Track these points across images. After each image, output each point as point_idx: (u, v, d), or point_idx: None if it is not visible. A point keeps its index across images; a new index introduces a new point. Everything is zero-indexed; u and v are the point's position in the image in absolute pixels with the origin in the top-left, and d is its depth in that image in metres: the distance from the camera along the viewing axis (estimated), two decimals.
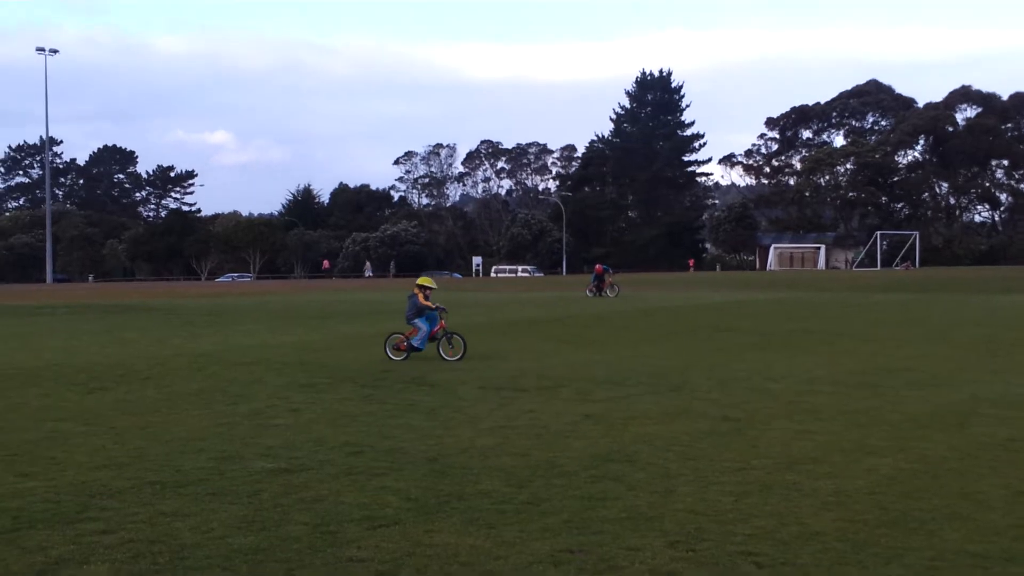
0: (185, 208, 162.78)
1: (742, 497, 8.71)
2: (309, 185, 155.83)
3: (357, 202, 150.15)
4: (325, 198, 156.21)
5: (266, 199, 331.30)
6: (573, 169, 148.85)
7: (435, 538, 7.56)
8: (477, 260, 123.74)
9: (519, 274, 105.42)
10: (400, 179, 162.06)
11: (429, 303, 20.74)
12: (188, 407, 14.08)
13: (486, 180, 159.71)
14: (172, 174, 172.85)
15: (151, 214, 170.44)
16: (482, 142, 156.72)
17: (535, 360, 19.95)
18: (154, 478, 9.54)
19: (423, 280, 21.49)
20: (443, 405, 14.08)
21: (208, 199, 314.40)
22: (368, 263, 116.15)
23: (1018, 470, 9.68)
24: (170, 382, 16.95)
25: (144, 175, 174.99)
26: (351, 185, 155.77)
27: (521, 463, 10.18)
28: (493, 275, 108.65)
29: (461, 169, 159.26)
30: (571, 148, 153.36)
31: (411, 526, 7.87)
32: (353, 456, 10.54)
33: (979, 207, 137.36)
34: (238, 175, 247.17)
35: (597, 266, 54.24)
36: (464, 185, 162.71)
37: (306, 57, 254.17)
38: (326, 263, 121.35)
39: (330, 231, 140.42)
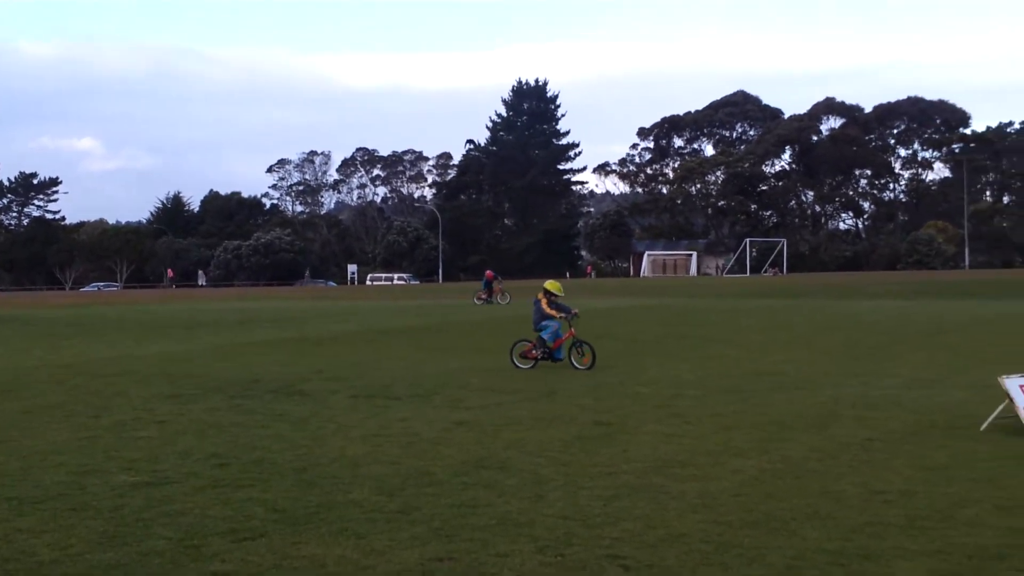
0: (49, 216, 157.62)
1: (611, 501, 8.79)
2: (179, 192, 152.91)
3: (228, 209, 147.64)
4: (196, 206, 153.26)
5: (135, 207, 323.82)
6: (449, 177, 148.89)
7: (302, 549, 7.45)
8: (352, 268, 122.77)
9: (395, 282, 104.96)
10: (274, 186, 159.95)
11: (553, 312, 19.69)
12: (49, 420, 13.62)
13: (361, 188, 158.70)
14: (35, 181, 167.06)
15: (12, 222, 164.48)
16: (357, 149, 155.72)
17: (409, 368, 19.87)
18: (11, 494, 9.19)
19: (550, 285, 20.23)
20: (313, 415, 13.90)
21: (75, 207, 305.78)
22: (202, 272, 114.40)
23: (875, 469, 9.98)
24: (30, 395, 16.39)
25: (5, 182, 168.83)
26: (223, 192, 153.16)
27: (392, 471, 10.11)
28: (368, 283, 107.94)
29: (336, 177, 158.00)
30: (447, 156, 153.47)
31: (277, 538, 7.73)
32: (219, 468, 10.33)
33: (843, 215, 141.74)
34: (106, 182, 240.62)
35: (488, 272, 53.12)
36: (339, 193, 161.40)
37: (180, 64, 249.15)
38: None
39: (201, 239, 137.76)
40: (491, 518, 8.26)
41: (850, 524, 7.97)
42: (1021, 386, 11.80)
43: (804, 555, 7.19)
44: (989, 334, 27.00)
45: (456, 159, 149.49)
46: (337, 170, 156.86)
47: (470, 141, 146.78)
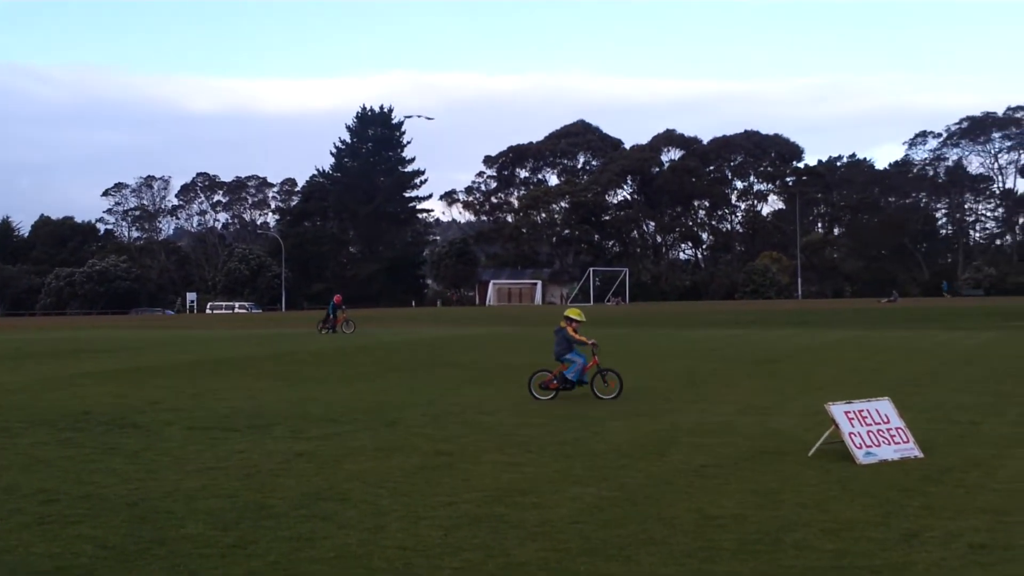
0: None
1: (452, 531, 8.80)
2: (7, 217, 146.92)
3: (60, 235, 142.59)
4: (26, 231, 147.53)
5: None
6: (293, 203, 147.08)
7: None
8: (191, 296, 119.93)
9: (236, 311, 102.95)
10: (109, 211, 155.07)
11: (582, 337, 19.26)
12: None
13: (202, 214, 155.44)
14: None
15: None
16: (198, 174, 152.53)
17: (248, 399, 19.49)
18: None
19: (571, 312, 19.72)
20: (147, 447, 13.50)
21: None
22: None
23: (709, 494, 10.24)
24: None
25: None
26: (54, 217, 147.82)
27: (228, 505, 9.91)
28: (208, 312, 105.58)
29: (175, 202, 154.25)
30: (292, 182, 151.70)
31: (106, 575, 7.48)
32: (46, 504, 9.95)
33: (683, 245, 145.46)
34: None
35: (336, 296, 50.94)
36: (178, 219, 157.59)
37: (10, 81, 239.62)
38: None
39: (31, 266, 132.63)
40: (329, 550, 8.19)
41: (684, 549, 8.15)
42: (846, 412, 12.28)
43: None
44: (819, 362, 28.01)
45: (300, 185, 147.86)
46: (176, 195, 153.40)
47: (315, 168, 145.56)
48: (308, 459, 12.52)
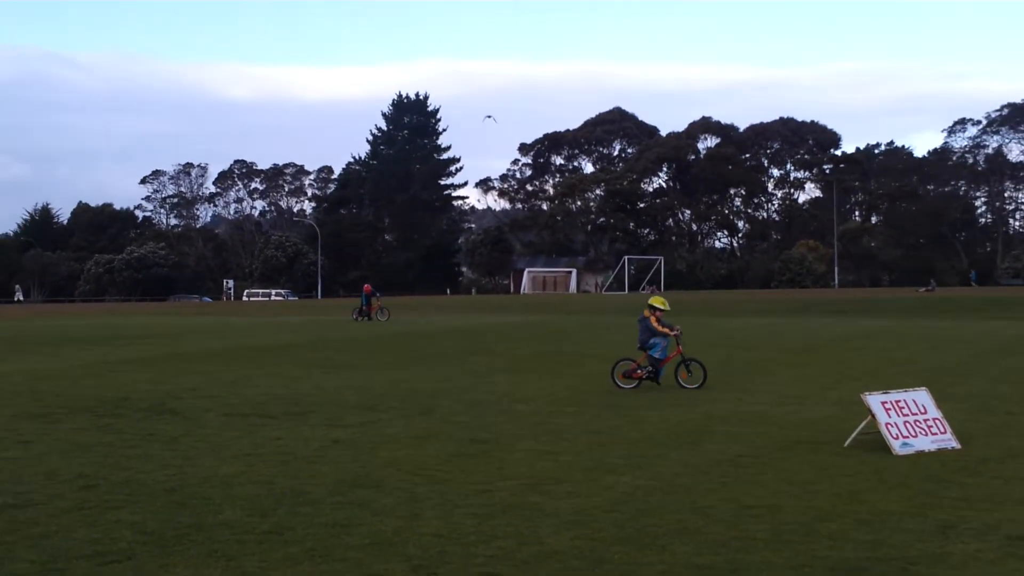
0: None
1: (486, 519, 8.84)
2: (47, 204, 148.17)
3: (100, 222, 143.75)
4: (65, 218, 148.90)
5: (1, 219, 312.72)
6: (330, 191, 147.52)
7: (170, 572, 7.35)
8: (228, 283, 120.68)
9: (272, 298, 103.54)
10: (147, 199, 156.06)
11: (665, 328, 18.80)
12: None
13: (239, 201, 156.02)
14: None
15: None
16: (235, 162, 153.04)
17: (285, 386, 19.62)
18: None
19: (655, 300, 19.30)
20: (185, 434, 13.64)
21: None
22: (18, 287, 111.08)
23: (744, 485, 10.22)
24: None
25: None
26: (92, 204, 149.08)
27: (265, 491, 9.99)
28: (245, 299, 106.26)
29: (213, 189, 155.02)
30: (328, 170, 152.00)
31: (145, 560, 7.59)
32: (86, 489, 10.08)
33: (719, 233, 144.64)
34: None
35: (366, 286, 51.33)
36: (216, 206, 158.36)
37: (50, 70, 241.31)
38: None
39: (71, 252, 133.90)
40: (365, 538, 8.24)
41: (718, 539, 8.15)
42: (883, 403, 12.21)
43: (673, 570, 7.34)
44: (855, 351, 27.85)
45: (336, 173, 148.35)
46: (214, 183, 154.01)
47: (352, 156, 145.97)
48: (344, 446, 12.61)
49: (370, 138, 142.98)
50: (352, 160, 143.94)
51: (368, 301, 49.05)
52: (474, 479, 10.54)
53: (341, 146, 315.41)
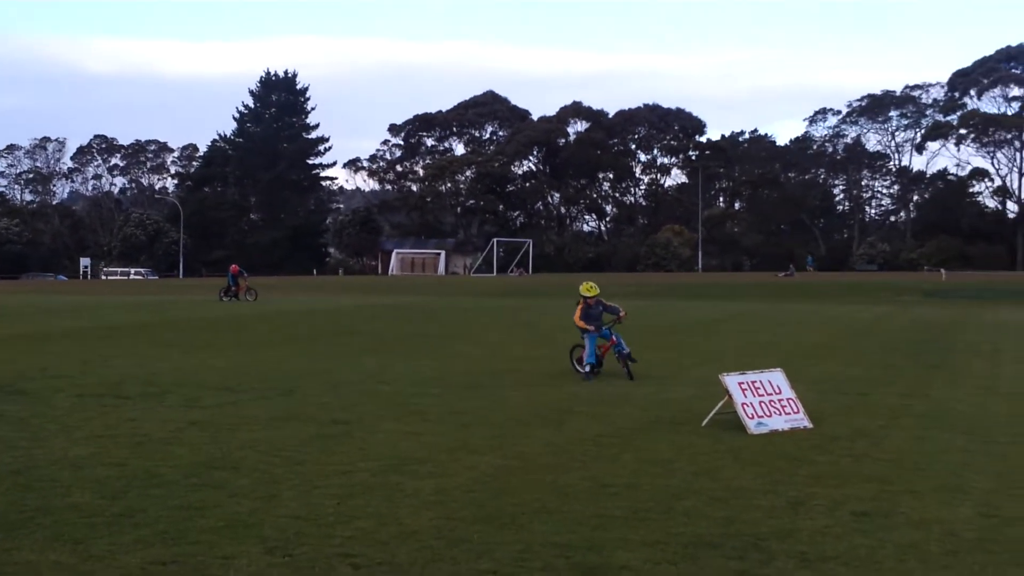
0: None
1: (345, 500, 8.75)
2: None
3: None
4: None
5: None
6: (194, 169, 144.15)
7: (15, 556, 7.13)
8: (85, 261, 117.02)
9: (132, 276, 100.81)
10: (1, 174, 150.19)
11: (589, 326, 17.21)
12: None
13: (98, 178, 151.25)
14: None
15: None
16: (95, 137, 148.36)
17: (141, 366, 19.10)
18: None
19: (582, 287, 17.76)
20: (35, 415, 13.15)
21: None
22: None
23: (604, 464, 10.33)
24: None
25: None
26: None
27: (117, 473, 9.72)
28: (103, 277, 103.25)
29: (71, 165, 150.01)
30: (192, 147, 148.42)
31: None
32: None
33: (587, 217, 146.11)
34: None
35: (233, 266, 50.60)
36: (73, 182, 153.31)
37: None
38: None
39: None
40: (219, 519, 8.09)
41: (577, 517, 8.21)
42: (740, 383, 12.49)
43: (531, 548, 7.37)
44: (716, 334, 28.48)
45: (202, 151, 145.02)
46: (72, 158, 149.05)
47: (217, 133, 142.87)
48: (201, 428, 12.33)
49: (236, 116, 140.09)
50: (217, 138, 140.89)
51: (235, 281, 48.21)
52: (334, 460, 10.42)
53: (207, 124, 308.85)
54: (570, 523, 8.04)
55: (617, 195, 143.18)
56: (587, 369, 17.21)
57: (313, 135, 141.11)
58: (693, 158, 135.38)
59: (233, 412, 13.58)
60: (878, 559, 7.20)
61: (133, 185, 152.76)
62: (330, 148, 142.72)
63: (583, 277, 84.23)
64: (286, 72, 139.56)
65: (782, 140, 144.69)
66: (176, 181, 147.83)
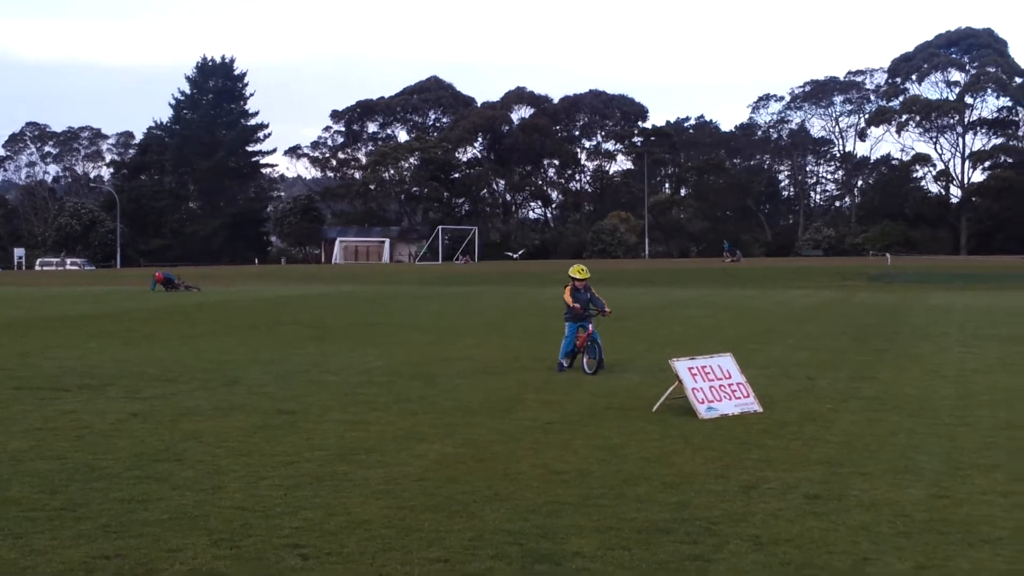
0: None
1: (292, 490, 8.62)
2: None
3: None
4: None
5: None
6: (130, 157, 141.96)
7: None
8: (20, 252, 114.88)
9: (67, 267, 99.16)
10: None
11: (568, 298, 16.42)
12: None
13: (31, 166, 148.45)
14: None
15: None
16: (27, 124, 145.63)
17: (81, 358, 18.73)
18: None
19: (573, 269, 16.86)
20: None
21: None
22: None
23: (555, 450, 10.26)
24: None
25: None
26: None
27: (58, 467, 9.50)
28: (38, 268, 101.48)
29: (2, 153, 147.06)
30: (128, 135, 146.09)
31: None
32: None
33: (533, 204, 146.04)
34: None
35: (157, 274, 49.45)
36: (5, 171, 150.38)
37: None
38: None
39: None
40: (164, 512, 7.94)
41: (528, 504, 8.14)
42: (690, 368, 12.47)
43: (483, 536, 7.29)
44: (665, 320, 28.54)
45: (138, 138, 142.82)
46: (3, 146, 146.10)
47: (153, 120, 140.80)
48: (143, 419, 12.10)
49: (173, 102, 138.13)
50: (154, 125, 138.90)
51: (173, 280, 47.37)
52: (280, 451, 10.26)
53: (142, 111, 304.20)
54: (522, 510, 7.96)
55: (563, 182, 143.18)
56: (562, 361, 16.75)
57: (252, 122, 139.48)
58: (638, 144, 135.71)
59: (176, 403, 13.34)
60: (830, 541, 7.20)
61: (67, 174, 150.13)
62: (270, 135, 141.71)
63: (530, 265, 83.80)
64: (224, 58, 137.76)
65: (727, 126, 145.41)
66: (112, 170, 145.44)
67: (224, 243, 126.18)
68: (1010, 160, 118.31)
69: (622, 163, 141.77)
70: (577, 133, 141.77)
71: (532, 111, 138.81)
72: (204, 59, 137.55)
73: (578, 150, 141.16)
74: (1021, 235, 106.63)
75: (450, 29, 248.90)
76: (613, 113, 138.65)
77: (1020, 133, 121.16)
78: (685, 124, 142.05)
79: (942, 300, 36.17)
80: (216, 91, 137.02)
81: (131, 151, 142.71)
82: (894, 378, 15.58)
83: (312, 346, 21.00)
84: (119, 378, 15.80)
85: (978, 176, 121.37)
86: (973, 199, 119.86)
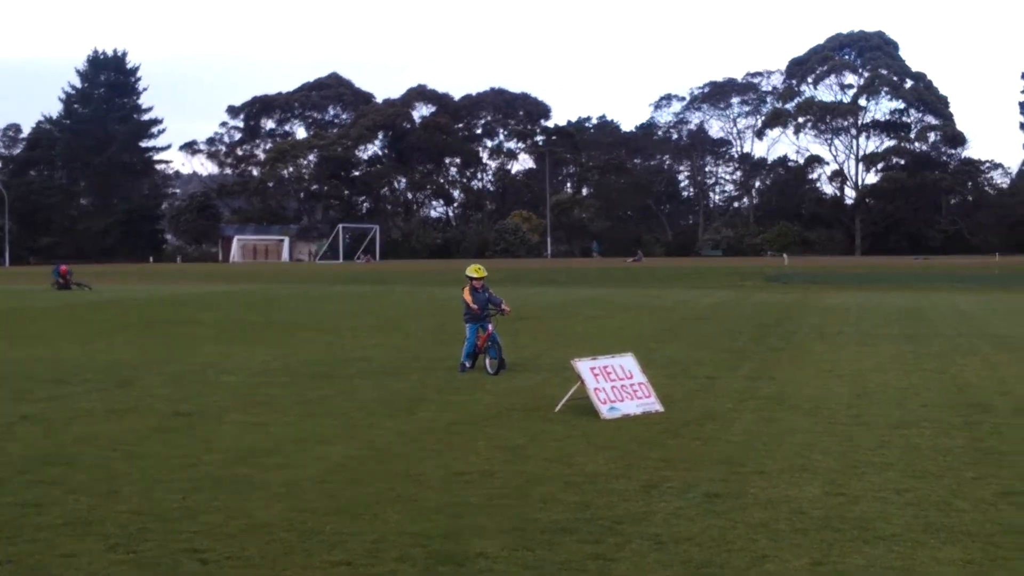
0: None
1: (191, 494, 8.47)
2: None
3: None
4: None
5: None
6: (17, 151, 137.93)
7: None
8: None
9: None
10: None
11: (469, 298, 16.32)
12: None
13: None
14: None
15: None
16: None
17: None
18: None
19: (470, 268, 16.75)
20: None
21: None
22: None
23: (457, 451, 10.24)
24: None
25: None
26: None
27: None
28: None
29: None
30: (16, 128, 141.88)
31: None
32: None
33: (434, 203, 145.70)
34: None
35: (62, 267, 48.42)
36: None
37: None
38: None
39: None
40: (58, 517, 7.76)
41: (431, 505, 8.11)
42: (592, 368, 12.55)
43: (386, 538, 7.25)
44: (567, 319, 28.69)
45: (26, 132, 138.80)
46: None
47: (42, 114, 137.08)
48: (34, 422, 11.78)
49: (63, 96, 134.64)
50: (43, 119, 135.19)
51: (64, 279, 46.38)
52: (177, 453, 10.06)
53: (30, 104, 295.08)
54: (425, 512, 7.93)
55: (464, 180, 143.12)
56: (464, 362, 16.60)
57: (146, 117, 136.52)
58: (540, 143, 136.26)
59: (67, 405, 13.02)
60: (730, 539, 7.30)
61: None
62: (164, 130, 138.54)
63: (431, 265, 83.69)
64: (115, 51, 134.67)
65: (628, 126, 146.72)
66: None
67: (118, 241, 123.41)
68: (902, 162, 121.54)
69: (524, 162, 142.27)
70: (479, 132, 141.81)
71: (434, 109, 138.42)
72: (95, 52, 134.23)
73: (480, 149, 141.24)
74: (913, 236, 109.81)
75: (350, 25, 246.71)
76: (515, 112, 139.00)
77: (912, 135, 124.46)
78: (587, 124, 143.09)
79: (837, 300, 36.97)
80: (108, 85, 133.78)
81: (19, 146, 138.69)
82: (791, 377, 15.87)
83: (209, 346, 20.66)
84: (7, 379, 15.37)
85: (872, 178, 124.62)
86: (867, 200, 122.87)
